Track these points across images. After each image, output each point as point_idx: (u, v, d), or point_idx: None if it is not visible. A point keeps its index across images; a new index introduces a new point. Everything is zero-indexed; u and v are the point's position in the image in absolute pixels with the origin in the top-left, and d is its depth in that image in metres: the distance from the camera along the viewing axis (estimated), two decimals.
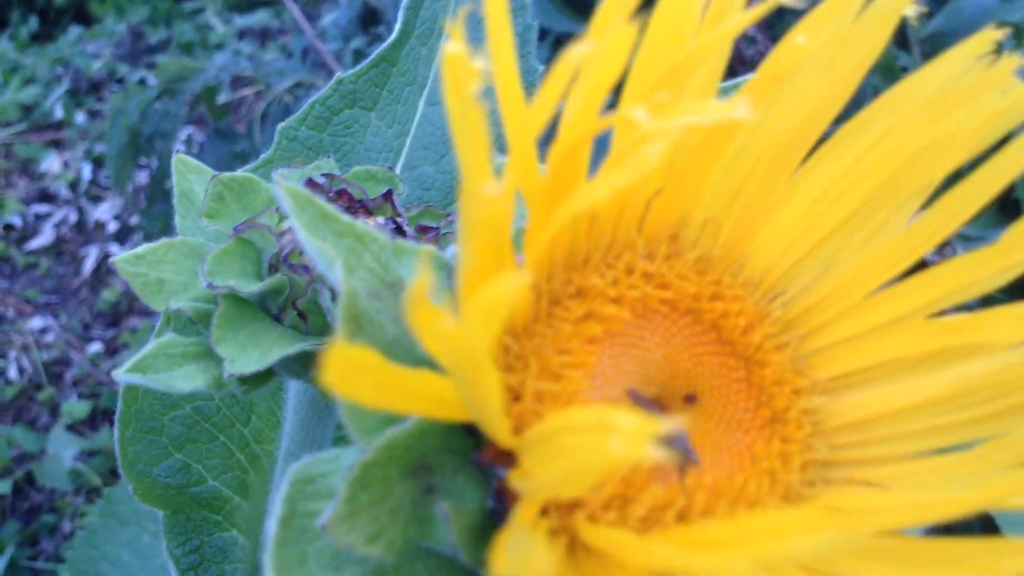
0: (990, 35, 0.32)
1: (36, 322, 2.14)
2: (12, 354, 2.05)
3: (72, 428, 1.85)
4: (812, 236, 0.35)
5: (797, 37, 0.29)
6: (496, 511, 0.30)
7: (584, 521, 0.28)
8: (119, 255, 0.45)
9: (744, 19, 0.28)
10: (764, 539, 0.21)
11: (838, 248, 0.35)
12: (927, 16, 1.58)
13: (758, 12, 0.28)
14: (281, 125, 0.55)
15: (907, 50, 1.54)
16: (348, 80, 0.56)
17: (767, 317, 0.35)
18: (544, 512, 0.29)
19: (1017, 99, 0.32)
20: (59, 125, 2.66)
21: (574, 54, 0.24)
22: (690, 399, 0.34)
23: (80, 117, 2.67)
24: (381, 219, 0.48)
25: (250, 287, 0.43)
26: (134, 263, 0.45)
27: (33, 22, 2.95)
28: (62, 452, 1.75)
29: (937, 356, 0.34)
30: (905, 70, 1.48)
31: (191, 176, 0.51)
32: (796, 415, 0.34)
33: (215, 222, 0.47)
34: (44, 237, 2.36)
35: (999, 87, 0.32)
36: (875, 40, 0.32)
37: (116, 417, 0.56)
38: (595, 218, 0.32)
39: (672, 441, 0.30)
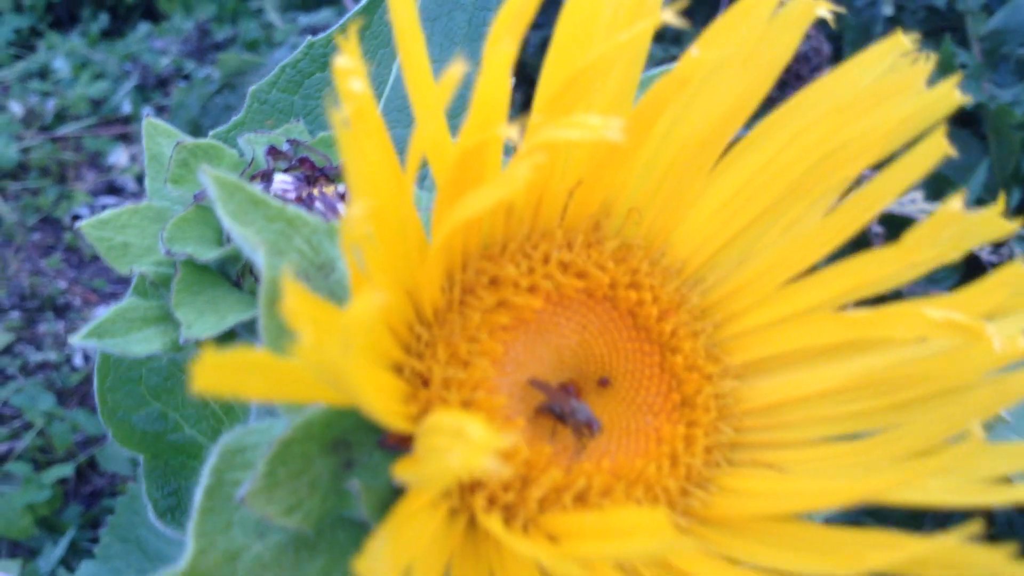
0: (900, 40, 0.33)
1: (101, 311, 2.20)
2: None
3: None
4: (731, 227, 0.36)
5: (693, 50, 0.30)
6: (402, 489, 0.31)
7: (482, 502, 0.30)
8: (85, 220, 0.46)
9: (652, 23, 0.29)
10: (608, 537, 0.23)
11: (756, 239, 0.37)
12: (987, 13, 1.55)
13: (659, 18, 0.29)
14: (252, 88, 0.56)
15: (967, 47, 1.51)
16: (319, 44, 0.57)
17: (684, 304, 0.36)
18: (447, 492, 0.31)
19: (924, 104, 0.33)
20: (127, 119, 2.71)
21: (455, 72, 0.25)
22: (604, 383, 0.35)
23: (147, 112, 2.74)
24: (341, 187, 0.50)
25: (207, 254, 0.45)
26: (99, 227, 0.46)
27: (103, 19, 3.02)
28: None
29: (843, 348, 0.35)
30: (964, 67, 1.46)
31: (161, 139, 0.52)
32: (704, 400, 0.35)
33: (179, 187, 0.48)
34: None
35: (910, 91, 0.33)
36: (787, 41, 0.33)
37: (96, 367, 0.58)
38: (512, 209, 0.34)
39: (576, 411, 0.32)
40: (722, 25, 0.31)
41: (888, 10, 1.61)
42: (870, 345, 0.34)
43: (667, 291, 0.36)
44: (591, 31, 0.30)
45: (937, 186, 1.50)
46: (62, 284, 2.24)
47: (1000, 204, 0.33)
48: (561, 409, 0.32)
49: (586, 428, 0.32)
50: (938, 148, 0.32)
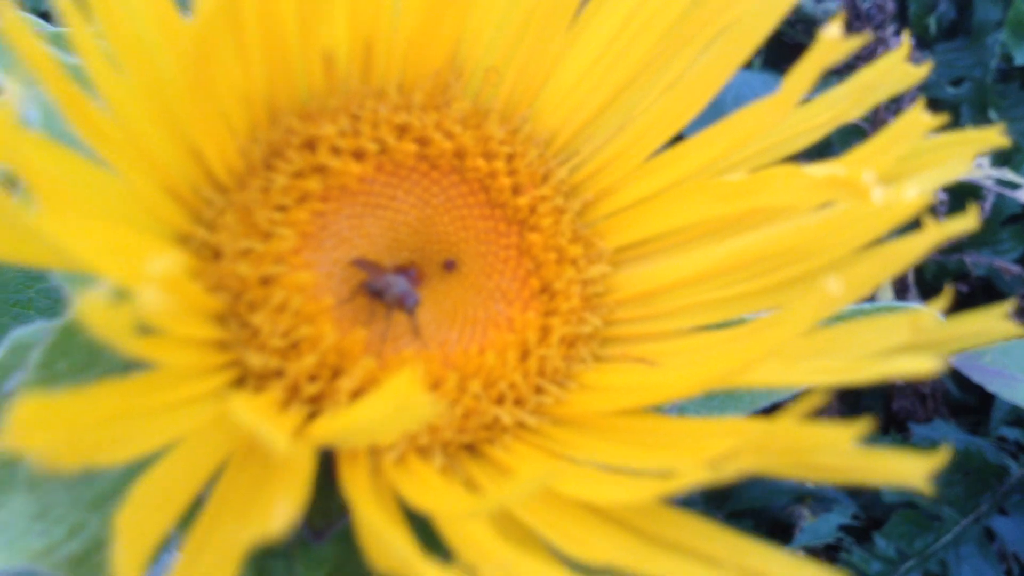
0: None
1: None
2: None
3: None
4: (604, 90, 0.31)
5: None
6: None
7: (278, 394, 0.26)
8: None
9: None
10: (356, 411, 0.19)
11: (634, 104, 0.32)
12: None
13: None
14: None
15: None
16: None
17: (549, 178, 0.32)
18: (241, 382, 0.26)
19: None
20: None
21: None
22: (449, 266, 0.31)
23: None
24: None
25: None
26: None
27: None
28: None
29: (726, 224, 0.30)
30: None
31: None
32: (565, 286, 0.31)
33: None
34: None
35: None
36: None
37: None
38: (333, 60, 0.29)
39: (391, 285, 0.28)
40: None
41: None
42: (758, 219, 0.30)
43: (526, 162, 0.31)
44: None
45: (1004, 152, 1.40)
46: None
47: (905, 47, 0.28)
48: (377, 287, 0.28)
49: (399, 304, 0.28)
50: None
